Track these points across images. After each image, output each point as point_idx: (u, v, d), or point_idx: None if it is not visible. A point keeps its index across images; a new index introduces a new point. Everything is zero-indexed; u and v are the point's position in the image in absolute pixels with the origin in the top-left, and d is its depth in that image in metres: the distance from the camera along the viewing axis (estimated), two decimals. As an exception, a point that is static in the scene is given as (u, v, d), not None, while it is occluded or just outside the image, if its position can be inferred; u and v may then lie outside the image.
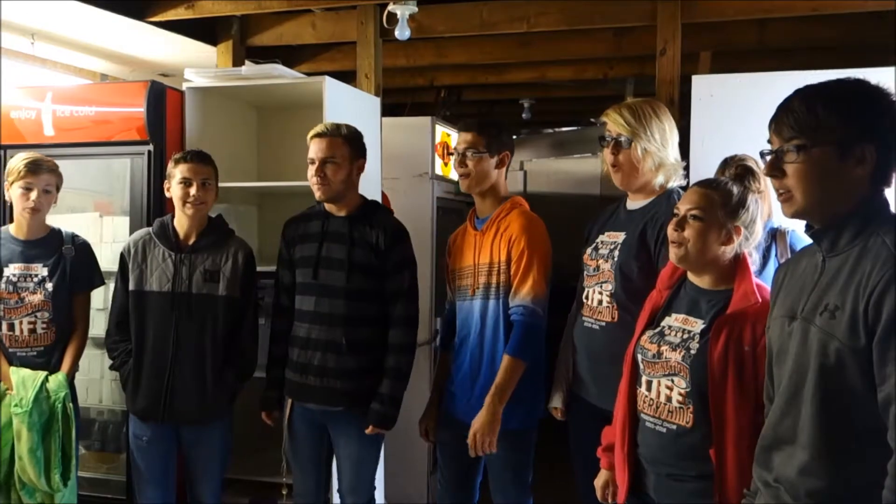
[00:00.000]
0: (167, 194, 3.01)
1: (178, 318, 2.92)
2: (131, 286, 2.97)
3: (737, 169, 2.35)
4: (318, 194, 2.82)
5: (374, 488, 2.97)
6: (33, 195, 3.01)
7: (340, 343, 2.78)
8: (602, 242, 2.61)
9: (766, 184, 2.77)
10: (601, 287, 2.54)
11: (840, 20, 4.29)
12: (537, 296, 2.67)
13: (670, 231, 2.12)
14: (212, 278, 2.96)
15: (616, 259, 2.50)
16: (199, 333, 2.94)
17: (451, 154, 2.87)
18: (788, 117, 1.58)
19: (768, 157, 1.62)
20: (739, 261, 2.09)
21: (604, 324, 2.52)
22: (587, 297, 2.59)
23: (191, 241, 2.99)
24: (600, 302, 2.53)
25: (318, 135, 2.81)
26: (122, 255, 3.03)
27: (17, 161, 3.05)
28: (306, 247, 2.88)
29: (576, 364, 2.66)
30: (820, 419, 1.50)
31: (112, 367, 3.07)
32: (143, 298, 2.95)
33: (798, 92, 1.60)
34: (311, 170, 2.80)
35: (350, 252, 2.79)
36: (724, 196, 2.08)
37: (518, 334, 2.66)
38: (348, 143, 2.81)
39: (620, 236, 2.54)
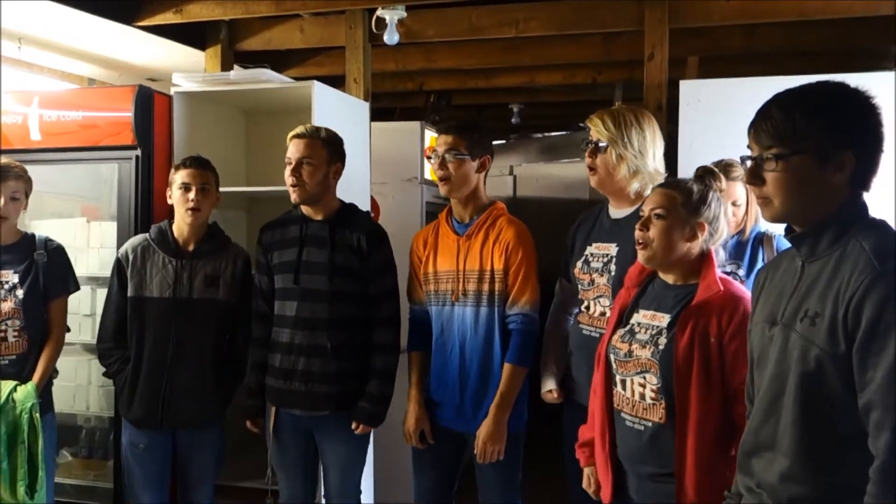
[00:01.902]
0: (169, 201, 3.01)
1: (178, 324, 2.92)
2: (130, 292, 2.95)
3: (697, 171, 2.37)
4: (293, 197, 2.81)
5: (360, 492, 2.96)
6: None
7: (325, 347, 2.77)
8: (592, 255, 2.61)
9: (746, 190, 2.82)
10: (599, 301, 2.56)
11: (827, 25, 4.32)
12: (535, 303, 2.72)
13: (636, 232, 2.16)
14: (212, 283, 2.97)
15: (613, 273, 2.51)
16: (198, 338, 2.95)
17: (431, 157, 2.82)
18: (766, 124, 1.57)
19: (748, 165, 1.62)
20: (707, 257, 2.13)
21: (604, 331, 2.52)
22: (587, 308, 2.61)
23: (191, 248, 2.99)
24: (603, 314, 2.55)
25: (296, 136, 2.82)
26: (118, 262, 3.00)
27: None
28: (286, 252, 2.87)
29: (572, 369, 2.69)
30: (800, 425, 1.51)
31: (106, 375, 3.05)
32: (143, 304, 2.94)
33: (776, 98, 1.59)
34: (287, 170, 2.80)
35: (331, 255, 2.79)
36: (684, 194, 2.12)
37: (520, 342, 2.69)
38: (326, 146, 2.81)
39: (611, 248, 2.56)
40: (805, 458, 1.50)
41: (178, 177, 2.95)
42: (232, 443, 3.41)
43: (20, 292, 3.01)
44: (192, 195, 2.92)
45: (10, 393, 2.92)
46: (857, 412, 1.43)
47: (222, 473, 3.23)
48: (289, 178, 2.78)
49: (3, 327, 2.99)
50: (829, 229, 1.54)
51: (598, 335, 2.53)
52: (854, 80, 1.60)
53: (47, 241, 3.13)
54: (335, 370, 2.77)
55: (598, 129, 2.56)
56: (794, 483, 1.52)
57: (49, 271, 3.07)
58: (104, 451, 3.59)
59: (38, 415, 2.93)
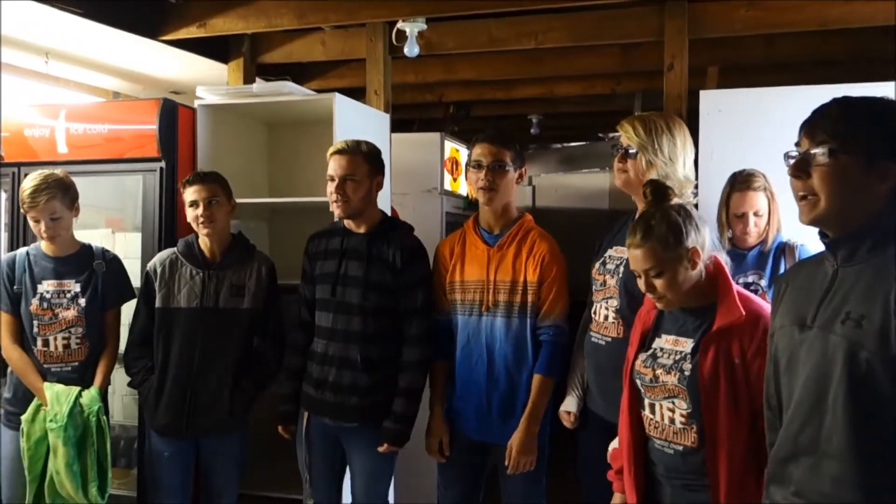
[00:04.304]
0: (189, 219, 3.05)
1: (205, 333, 2.97)
2: (158, 304, 3.00)
3: (649, 194, 2.28)
4: (337, 212, 2.83)
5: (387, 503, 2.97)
6: (42, 226, 3.01)
7: (355, 360, 2.78)
8: (610, 257, 2.62)
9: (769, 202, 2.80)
10: (607, 303, 2.56)
11: (847, 35, 4.30)
12: (567, 316, 2.76)
13: (645, 292, 2.13)
14: (238, 293, 3.01)
15: (621, 275, 2.52)
16: (223, 347, 2.98)
17: (473, 166, 2.81)
18: (825, 121, 1.60)
19: (793, 158, 1.63)
20: (718, 272, 2.09)
21: (609, 339, 2.54)
22: (595, 313, 2.61)
23: (217, 259, 3.04)
24: (606, 318, 2.55)
25: (338, 151, 2.82)
26: (147, 275, 3.06)
27: (24, 186, 3.01)
28: (327, 263, 2.89)
29: (586, 376, 2.69)
30: (851, 427, 1.49)
31: (132, 385, 3.10)
32: (171, 315, 2.99)
33: (836, 100, 1.63)
34: (331, 187, 2.80)
35: (367, 270, 2.80)
36: (661, 242, 2.06)
37: (552, 354, 2.73)
38: (367, 161, 2.83)
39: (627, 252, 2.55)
40: (858, 460, 1.49)
41: (187, 195, 3.00)
42: (258, 451, 3.44)
43: (82, 301, 3.08)
44: (200, 211, 2.96)
45: (77, 398, 2.99)
46: None
47: (247, 482, 3.25)
48: (332, 195, 2.79)
49: (67, 335, 3.06)
50: (870, 236, 1.56)
51: (603, 343, 2.56)
52: (855, 89, 1.63)
53: (104, 251, 3.21)
54: (365, 383, 2.79)
55: (628, 135, 2.55)
56: (848, 486, 1.50)
57: (107, 280, 3.14)
58: (128, 459, 3.62)
59: (104, 417, 3.02)
